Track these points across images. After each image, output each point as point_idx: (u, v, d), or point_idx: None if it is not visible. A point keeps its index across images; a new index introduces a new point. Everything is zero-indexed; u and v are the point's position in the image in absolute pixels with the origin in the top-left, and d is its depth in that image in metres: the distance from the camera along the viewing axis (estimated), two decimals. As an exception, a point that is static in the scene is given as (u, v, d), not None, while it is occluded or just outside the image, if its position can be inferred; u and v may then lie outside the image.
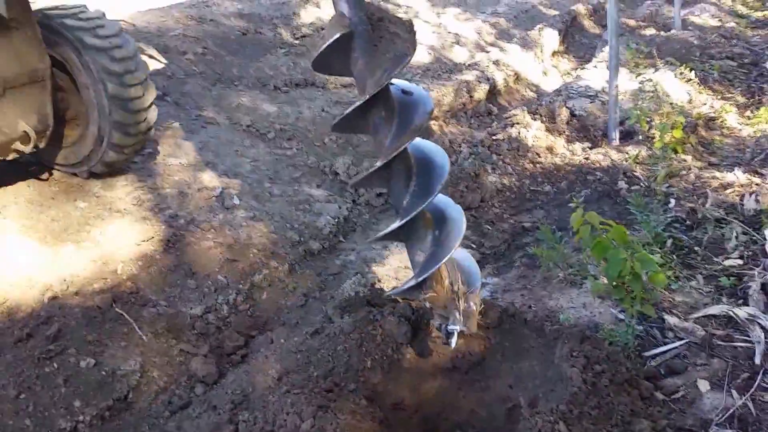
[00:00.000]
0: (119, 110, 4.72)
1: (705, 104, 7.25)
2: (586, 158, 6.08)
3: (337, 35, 2.67)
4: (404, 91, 3.00)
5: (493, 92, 8.66)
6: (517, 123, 6.74)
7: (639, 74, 6.96)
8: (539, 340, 3.34)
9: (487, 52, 9.99)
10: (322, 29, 9.98)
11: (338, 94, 7.95)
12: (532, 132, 6.58)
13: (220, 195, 5.31)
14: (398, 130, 2.90)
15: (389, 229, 3.02)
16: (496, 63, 9.20)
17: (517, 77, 9.35)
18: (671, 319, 3.48)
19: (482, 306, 3.52)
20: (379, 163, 2.89)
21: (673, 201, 4.88)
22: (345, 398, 3.25)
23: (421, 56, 9.59)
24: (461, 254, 3.42)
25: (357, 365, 3.42)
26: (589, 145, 6.54)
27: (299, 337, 3.76)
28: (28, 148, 4.61)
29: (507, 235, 5.13)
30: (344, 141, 6.69)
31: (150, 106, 4.94)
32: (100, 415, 3.50)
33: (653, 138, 5.99)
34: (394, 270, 4.73)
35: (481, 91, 8.34)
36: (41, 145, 4.71)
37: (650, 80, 6.95)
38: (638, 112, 6.28)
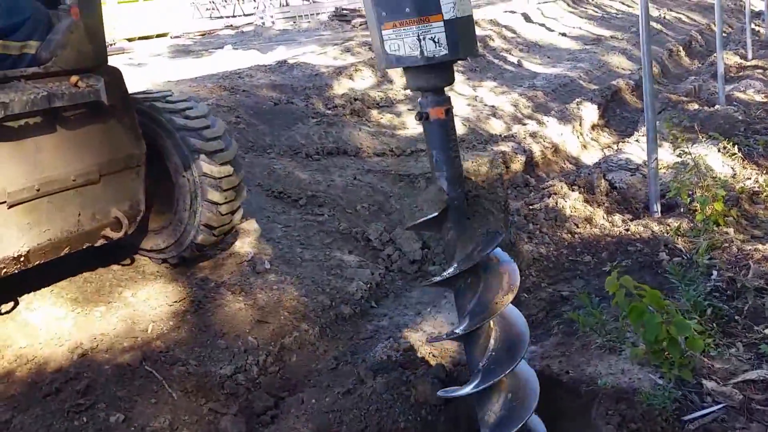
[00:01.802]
0: (211, 190, 4.91)
1: (749, 179, 7.43)
2: (627, 229, 6.25)
3: (435, 214, 2.87)
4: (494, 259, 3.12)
5: (530, 164, 8.93)
6: (555, 193, 6.95)
7: (680, 148, 7.17)
8: (575, 402, 3.47)
9: (524, 124, 10.33)
10: (356, 100, 10.41)
11: (370, 162, 8.28)
12: (570, 202, 6.78)
13: (252, 260, 5.56)
14: (480, 303, 2.99)
15: (462, 392, 3.05)
16: (533, 135, 9.51)
17: (555, 150, 9.62)
18: (709, 384, 3.59)
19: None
20: (458, 331, 3.00)
21: (715, 273, 5.02)
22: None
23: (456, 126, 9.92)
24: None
25: (390, 426, 3.57)
26: (630, 217, 6.71)
27: (331, 397, 3.93)
28: (118, 235, 4.74)
29: (545, 303, 5.27)
30: (377, 208, 6.96)
31: (240, 184, 5.16)
32: (127, 471, 3.67)
33: (695, 211, 6.16)
34: (427, 335, 4.89)
35: (517, 163, 8.61)
36: (130, 231, 4.85)
37: (691, 154, 7.14)
38: (678, 184, 6.47)
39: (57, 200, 4.32)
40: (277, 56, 13.80)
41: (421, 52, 2.58)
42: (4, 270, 4.12)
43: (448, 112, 2.82)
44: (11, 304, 4.60)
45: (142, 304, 4.81)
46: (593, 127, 10.99)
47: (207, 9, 31.68)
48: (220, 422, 4.02)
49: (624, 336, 4.19)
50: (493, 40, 16.49)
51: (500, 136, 9.76)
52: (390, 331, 5.04)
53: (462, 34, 2.60)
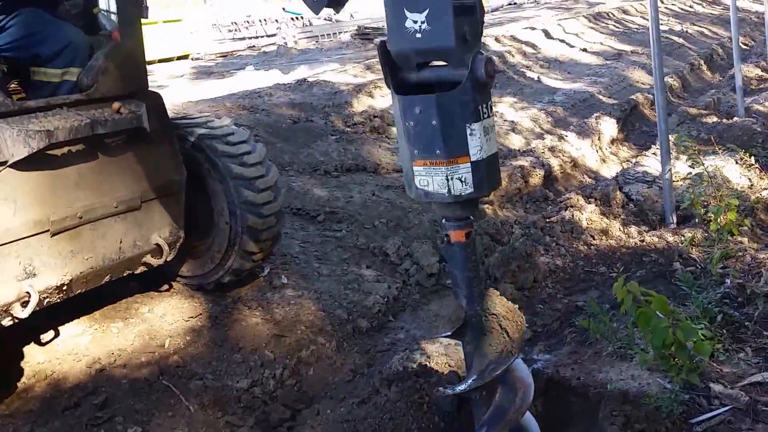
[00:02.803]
0: (252, 216, 4.93)
1: (766, 189, 7.44)
2: (642, 241, 6.30)
3: (449, 332, 2.95)
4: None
5: (548, 178, 9.00)
6: (571, 206, 7.03)
7: (696, 160, 7.21)
8: (584, 406, 3.54)
9: (543, 139, 10.40)
10: (375, 117, 10.55)
11: (389, 178, 8.39)
12: (587, 215, 6.85)
13: (268, 275, 5.67)
14: (494, 415, 3.05)
15: None
16: (552, 150, 9.58)
17: (574, 164, 9.68)
18: (716, 387, 3.65)
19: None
20: None
21: (728, 281, 5.06)
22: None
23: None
24: None
25: (410, 432, 3.65)
26: (646, 228, 6.77)
27: (346, 407, 4.03)
28: (158, 262, 4.75)
29: (560, 313, 5.33)
30: (395, 224, 7.05)
31: (280, 210, 5.18)
32: (146, 482, 3.78)
33: (710, 221, 6.20)
34: (444, 347, 4.96)
35: (536, 177, 8.68)
36: (170, 258, 4.85)
37: (705, 165, 7.18)
38: (692, 195, 6.51)
39: (99, 227, 4.33)
40: (298, 76, 14.01)
41: (449, 191, 2.71)
42: (47, 300, 4.11)
43: (469, 234, 2.93)
44: (52, 333, 4.66)
45: (158, 319, 4.93)
46: (612, 141, 11.04)
47: (229, 30, 32.09)
48: (238, 433, 4.12)
49: (633, 343, 4.25)
50: (513, 56, 16.62)
51: (519, 151, 9.84)
52: (406, 344, 5.12)
53: (487, 173, 2.73)
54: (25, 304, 3.94)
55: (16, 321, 3.97)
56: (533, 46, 18.04)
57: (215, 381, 4.46)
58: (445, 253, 3.07)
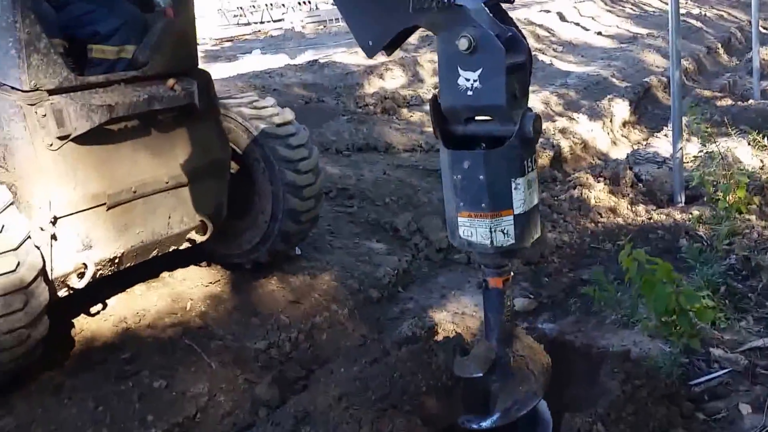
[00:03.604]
0: (293, 198, 5.16)
1: (778, 169, 7.69)
2: (649, 218, 6.57)
3: (480, 373, 3.20)
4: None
5: (558, 159, 9.25)
6: (580, 185, 7.29)
7: (707, 140, 7.44)
8: (586, 365, 3.82)
9: (554, 121, 10.65)
10: (386, 99, 10.82)
11: (400, 158, 8.69)
12: (595, 193, 7.12)
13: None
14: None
15: None
16: (563, 131, 9.83)
17: (585, 146, 9.93)
18: (716, 351, 3.93)
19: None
20: None
21: (733, 256, 5.33)
22: (401, 417, 3.76)
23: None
24: None
25: (413, 390, 3.92)
26: (654, 207, 7.03)
27: (358, 367, 4.30)
28: (202, 238, 4.98)
29: (565, 286, 5.61)
30: (405, 201, 7.34)
31: (320, 192, 5.43)
32: (170, 430, 4.07)
33: (719, 200, 6.45)
34: (451, 315, 5.26)
35: (545, 158, 8.94)
36: (213, 235, 5.03)
37: (717, 144, 7.41)
38: (702, 174, 6.76)
39: (150, 202, 4.55)
40: (306, 59, 14.26)
41: (491, 242, 2.94)
42: (100, 272, 4.38)
43: (507, 282, 3.17)
44: (100, 306, 4.94)
45: (179, 284, 5.24)
46: (624, 123, 11.28)
47: (234, 15, 32.08)
48: (255, 390, 4.41)
49: (637, 311, 4.53)
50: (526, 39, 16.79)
51: (529, 132, 10.08)
52: (415, 312, 5.42)
53: (528, 225, 2.96)
54: (81, 276, 4.22)
55: (71, 291, 4.27)
56: (548, 29, 18.24)
57: (234, 342, 4.77)
58: (483, 295, 3.29)
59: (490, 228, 2.92)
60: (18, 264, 3.76)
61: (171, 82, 4.56)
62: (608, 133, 10.68)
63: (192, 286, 5.24)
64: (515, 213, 2.89)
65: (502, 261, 3.12)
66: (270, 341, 4.83)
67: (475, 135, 2.96)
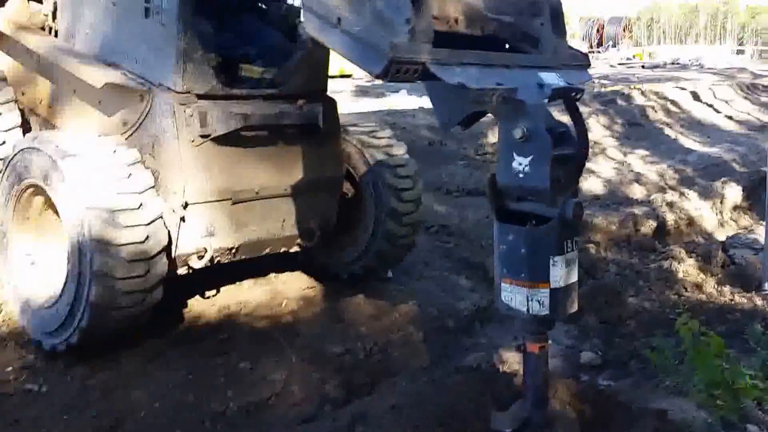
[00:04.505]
0: (392, 222, 5.64)
1: None
2: (731, 300, 6.57)
3: (510, 429, 3.43)
4: None
5: (661, 231, 9.26)
6: (672, 257, 7.35)
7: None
8: (625, 421, 3.98)
9: (664, 193, 10.63)
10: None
11: (505, 206, 8.90)
12: (684, 267, 7.16)
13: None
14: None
15: None
16: (670, 204, 9.83)
17: (690, 222, 9.87)
18: (752, 428, 3.99)
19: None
20: None
21: (808, 348, 5.30)
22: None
23: (594, 186, 10.45)
24: None
25: (461, 413, 4.18)
26: (740, 290, 7.00)
27: (419, 384, 4.60)
28: (310, 244, 5.42)
29: (633, 349, 5.72)
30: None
31: (418, 221, 5.88)
32: (245, 408, 4.48)
33: (810, 292, 6.40)
34: (520, 356, 5.44)
35: (647, 227, 8.98)
36: (317, 243, 5.47)
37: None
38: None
39: (268, 205, 5.07)
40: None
41: (528, 309, 3.21)
42: (218, 259, 4.92)
43: (543, 348, 3.41)
44: (213, 291, 5.53)
45: (281, 284, 5.74)
46: (735, 207, 11.10)
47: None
48: (325, 387, 4.78)
49: (690, 379, 4.62)
50: (655, 111, 16.76)
51: (637, 200, 10.15)
52: (486, 347, 5.65)
53: (564, 299, 3.21)
54: (200, 257, 4.77)
55: (190, 271, 4.80)
56: (678, 105, 18.08)
57: (315, 342, 5.17)
58: (521, 357, 3.54)
59: (528, 296, 3.18)
60: (147, 237, 4.33)
61: (300, 102, 5.04)
62: (716, 214, 10.56)
63: (290, 288, 5.71)
64: (552, 287, 3.14)
65: (539, 328, 3.35)
66: (346, 347, 5.20)
67: (525, 212, 3.22)
